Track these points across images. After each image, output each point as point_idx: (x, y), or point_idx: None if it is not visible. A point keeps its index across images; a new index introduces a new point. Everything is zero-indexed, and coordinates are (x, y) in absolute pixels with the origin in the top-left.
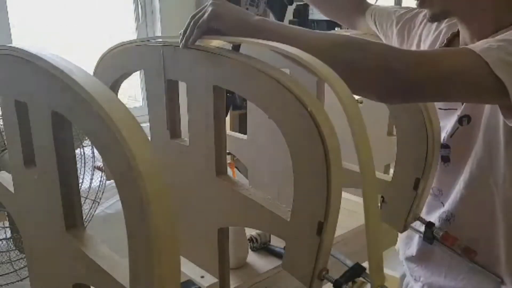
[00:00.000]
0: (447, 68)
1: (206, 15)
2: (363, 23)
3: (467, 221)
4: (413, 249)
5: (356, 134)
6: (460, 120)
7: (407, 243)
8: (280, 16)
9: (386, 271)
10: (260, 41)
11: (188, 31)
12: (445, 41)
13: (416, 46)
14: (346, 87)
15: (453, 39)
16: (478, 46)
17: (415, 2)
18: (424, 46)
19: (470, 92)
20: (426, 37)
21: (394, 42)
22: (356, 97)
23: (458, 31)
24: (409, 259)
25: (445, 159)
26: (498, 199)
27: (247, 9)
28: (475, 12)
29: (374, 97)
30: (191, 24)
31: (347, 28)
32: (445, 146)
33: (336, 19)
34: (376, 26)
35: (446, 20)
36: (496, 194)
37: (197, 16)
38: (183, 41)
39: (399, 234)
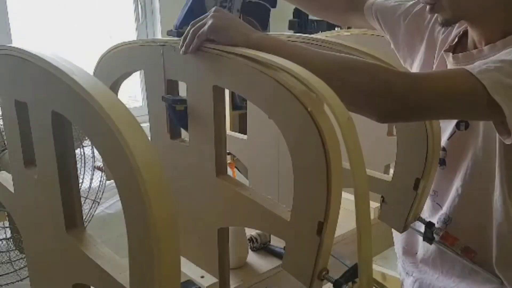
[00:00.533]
0: (444, 91)
1: (206, 27)
2: (359, 20)
3: (464, 224)
4: (417, 248)
5: (350, 155)
6: (457, 124)
7: (408, 238)
8: (264, 22)
9: (386, 271)
10: (256, 52)
11: (188, 39)
12: (456, 39)
13: (427, 38)
14: (338, 100)
15: (463, 36)
16: (476, 67)
17: (426, 7)
18: (438, 39)
19: (467, 113)
20: (439, 31)
21: (403, 37)
22: None
23: None
24: (408, 253)
25: (441, 162)
26: (494, 203)
27: None
28: (484, 18)
29: (374, 118)
30: (191, 32)
31: (348, 28)
32: (441, 148)
33: (326, 18)
34: (379, 22)
35: None
36: (492, 199)
37: (197, 25)
38: (183, 48)
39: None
